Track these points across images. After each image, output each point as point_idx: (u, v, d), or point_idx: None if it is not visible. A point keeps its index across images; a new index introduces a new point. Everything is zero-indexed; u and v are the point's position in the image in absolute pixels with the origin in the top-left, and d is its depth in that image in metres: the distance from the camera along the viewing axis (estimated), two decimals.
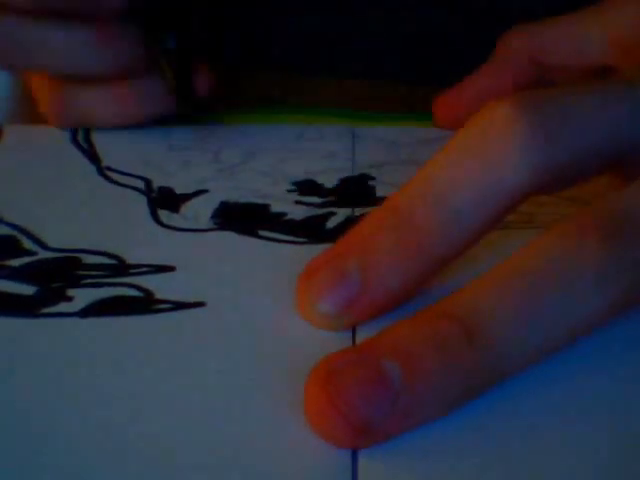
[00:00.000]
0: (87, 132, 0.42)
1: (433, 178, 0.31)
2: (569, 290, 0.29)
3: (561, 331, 0.29)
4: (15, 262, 0.35)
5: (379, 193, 0.39)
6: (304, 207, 0.38)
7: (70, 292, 0.33)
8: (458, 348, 0.28)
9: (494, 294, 0.29)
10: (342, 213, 0.37)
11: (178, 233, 0.36)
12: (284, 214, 0.37)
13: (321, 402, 0.27)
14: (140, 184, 0.39)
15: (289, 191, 0.39)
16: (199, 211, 0.38)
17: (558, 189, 0.32)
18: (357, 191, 0.39)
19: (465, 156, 0.31)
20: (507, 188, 0.31)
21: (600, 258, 0.29)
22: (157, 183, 0.39)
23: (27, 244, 0.36)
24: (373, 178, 0.39)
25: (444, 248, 0.31)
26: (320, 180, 0.39)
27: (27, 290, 0.33)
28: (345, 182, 0.39)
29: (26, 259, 0.35)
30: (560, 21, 0.41)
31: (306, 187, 0.39)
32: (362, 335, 0.31)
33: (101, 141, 0.42)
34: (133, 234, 0.36)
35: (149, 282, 0.34)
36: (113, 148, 0.41)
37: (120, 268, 0.34)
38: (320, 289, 0.31)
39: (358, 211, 0.38)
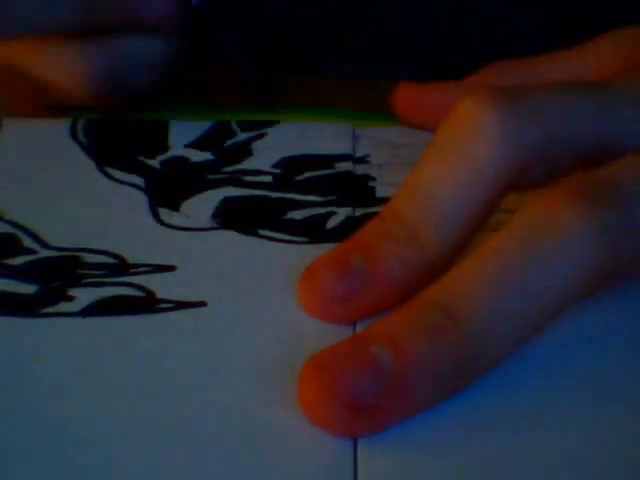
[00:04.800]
0: (86, 126, 0.42)
1: (420, 181, 0.32)
2: (546, 260, 0.29)
3: (543, 305, 0.29)
4: (15, 261, 0.35)
5: (379, 194, 0.38)
6: (304, 207, 0.38)
7: (71, 291, 0.33)
8: (444, 330, 0.29)
9: (472, 276, 0.29)
10: (343, 212, 0.37)
11: (178, 232, 0.36)
12: (284, 213, 0.37)
13: (314, 389, 0.28)
14: (140, 182, 0.39)
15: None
16: (199, 210, 0.37)
17: (533, 181, 0.33)
18: (357, 192, 0.39)
19: (444, 155, 0.32)
20: (484, 181, 0.31)
21: (572, 221, 0.29)
22: (157, 181, 0.39)
23: (27, 242, 0.36)
24: (373, 179, 0.39)
25: (439, 248, 0.32)
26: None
27: (27, 289, 0.33)
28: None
29: (26, 258, 0.35)
30: (543, 59, 0.40)
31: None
32: None
33: (101, 136, 0.41)
34: (134, 233, 0.36)
35: (150, 281, 0.34)
36: (112, 144, 0.41)
37: (121, 267, 0.34)
38: (326, 277, 0.32)
39: (359, 211, 0.38)
